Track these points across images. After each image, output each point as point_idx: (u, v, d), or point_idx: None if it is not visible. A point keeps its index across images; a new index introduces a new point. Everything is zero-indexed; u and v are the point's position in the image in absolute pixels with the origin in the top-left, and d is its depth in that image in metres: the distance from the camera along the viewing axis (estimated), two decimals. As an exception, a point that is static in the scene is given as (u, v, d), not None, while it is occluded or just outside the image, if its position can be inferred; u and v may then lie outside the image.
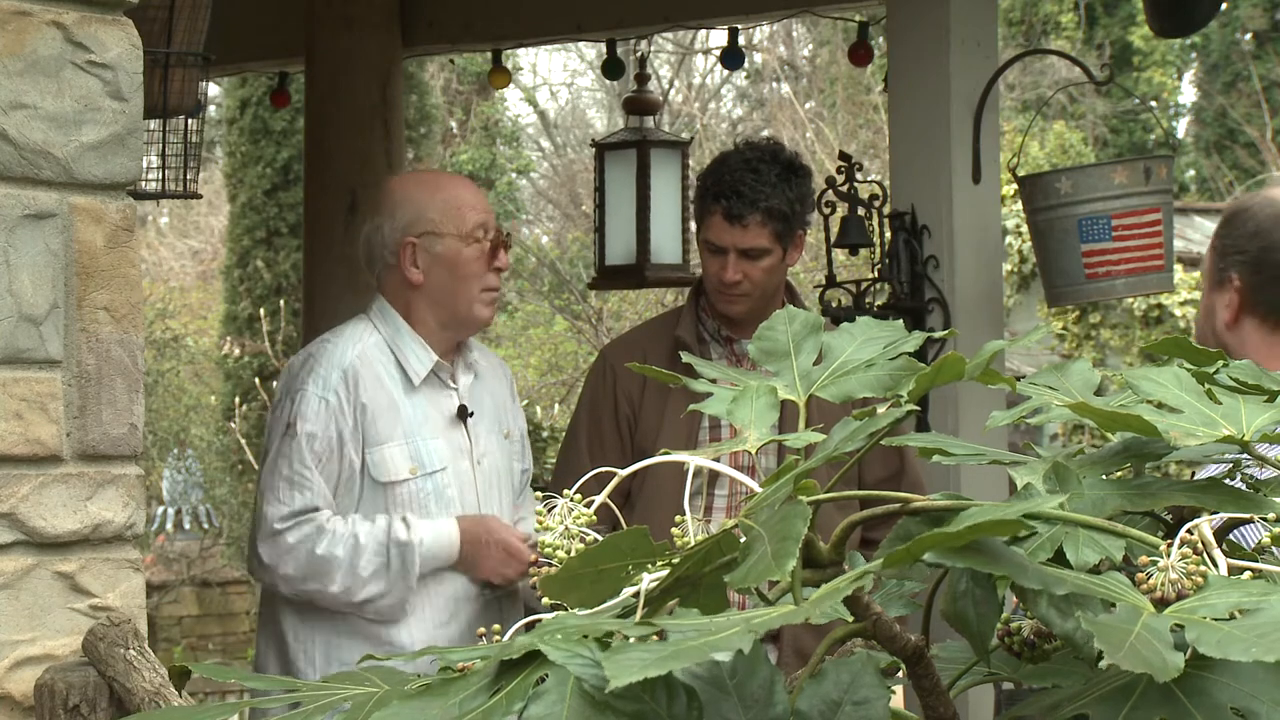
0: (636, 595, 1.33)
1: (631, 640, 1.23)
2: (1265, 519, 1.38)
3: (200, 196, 4.42)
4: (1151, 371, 1.52)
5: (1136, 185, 5.09)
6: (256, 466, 4.17)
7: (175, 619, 13.64)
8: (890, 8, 5.39)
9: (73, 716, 2.51)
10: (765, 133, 18.69)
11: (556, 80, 25.74)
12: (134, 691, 2.46)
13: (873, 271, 5.36)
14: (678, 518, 1.40)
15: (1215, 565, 1.31)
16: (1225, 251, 2.74)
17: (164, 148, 4.16)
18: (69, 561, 2.74)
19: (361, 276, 4.44)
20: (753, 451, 1.45)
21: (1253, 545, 1.43)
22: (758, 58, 20.50)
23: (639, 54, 6.67)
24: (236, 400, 15.09)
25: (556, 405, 14.82)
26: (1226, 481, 1.44)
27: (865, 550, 1.71)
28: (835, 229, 5.41)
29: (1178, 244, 11.00)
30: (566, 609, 1.36)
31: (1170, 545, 1.29)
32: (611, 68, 6.92)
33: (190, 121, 4.16)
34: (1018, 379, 1.57)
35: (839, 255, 5.68)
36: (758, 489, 1.35)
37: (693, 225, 5.15)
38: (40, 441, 2.70)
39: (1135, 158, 5.52)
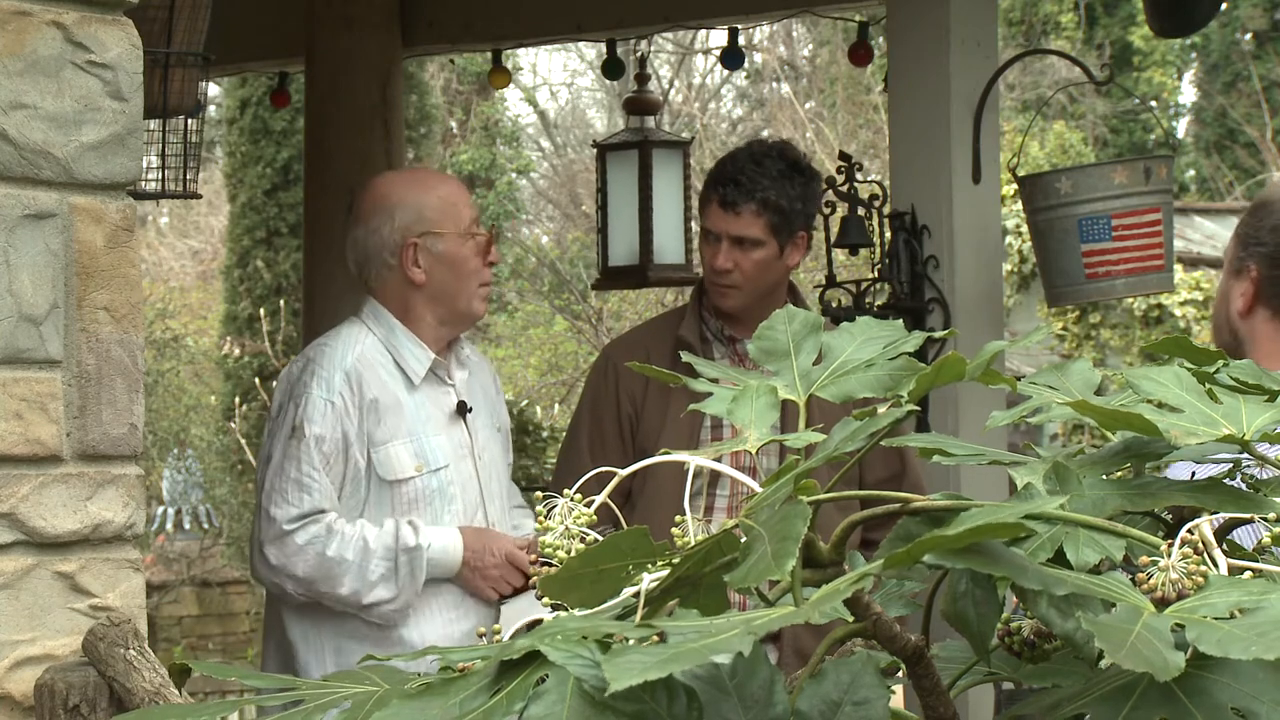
0: (636, 595, 1.33)
1: (631, 642, 1.23)
2: (1265, 519, 1.38)
3: (200, 196, 4.43)
4: (1152, 371, 1.52)
5: (1136, 185, 5.09)
6: (256, 467, 4.14)
7: (175, 619, 13.65)
8: (890, 8, 5.39)
9: (73, 716, 2.51)
10: (765, 133, 18.71)
11: (556, 80, 25.75)
12: (134, 691, 2.46)
13: (873, 271, 5.36)
14: (678, 518, 1.40)
15: (1215, 565, 1.31)
16: (1246, 241, 2.76)
17: (164, 148, 4.16)
18: (69, 561, 2.74)
19: (361, 276, 4.43)
20: (753, 451, 1.45)
21: (1253, 545, 1.43)
22: (758, 58, 20.50)
23: (639, 54, 6.67)
24: (236, 400, 15.09)
25: (556, 405, 14.83)
26: (1226, 481, 1.44)
27: (865, 550, 1.72)
28: (835, 229, 5.42)
29: (1178, 244, 11.01)
30: (566, 609, 1.36)
31: (1170, 545, 1.29)
32: (611, 68, 6.92)
33: (190, 121, 4.16)
34: (1018, 379, 1.57)
35: (839, 255, 5.68)
36: (758, 489, 1.35)
37: (695, 225, 5.16)
38: (40, 441, 2.70)
39: (1135, 158, 5.52)
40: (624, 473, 1.46)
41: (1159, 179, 5.14)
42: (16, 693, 2.67)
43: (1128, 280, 5.10)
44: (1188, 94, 23.43)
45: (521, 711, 1.21)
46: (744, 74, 20.56)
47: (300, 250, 12.36)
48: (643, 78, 6.22)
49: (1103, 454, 1.50)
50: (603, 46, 6.90)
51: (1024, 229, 10.14)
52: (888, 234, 5.31)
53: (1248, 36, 22.16)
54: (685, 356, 1.65)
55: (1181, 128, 23.19)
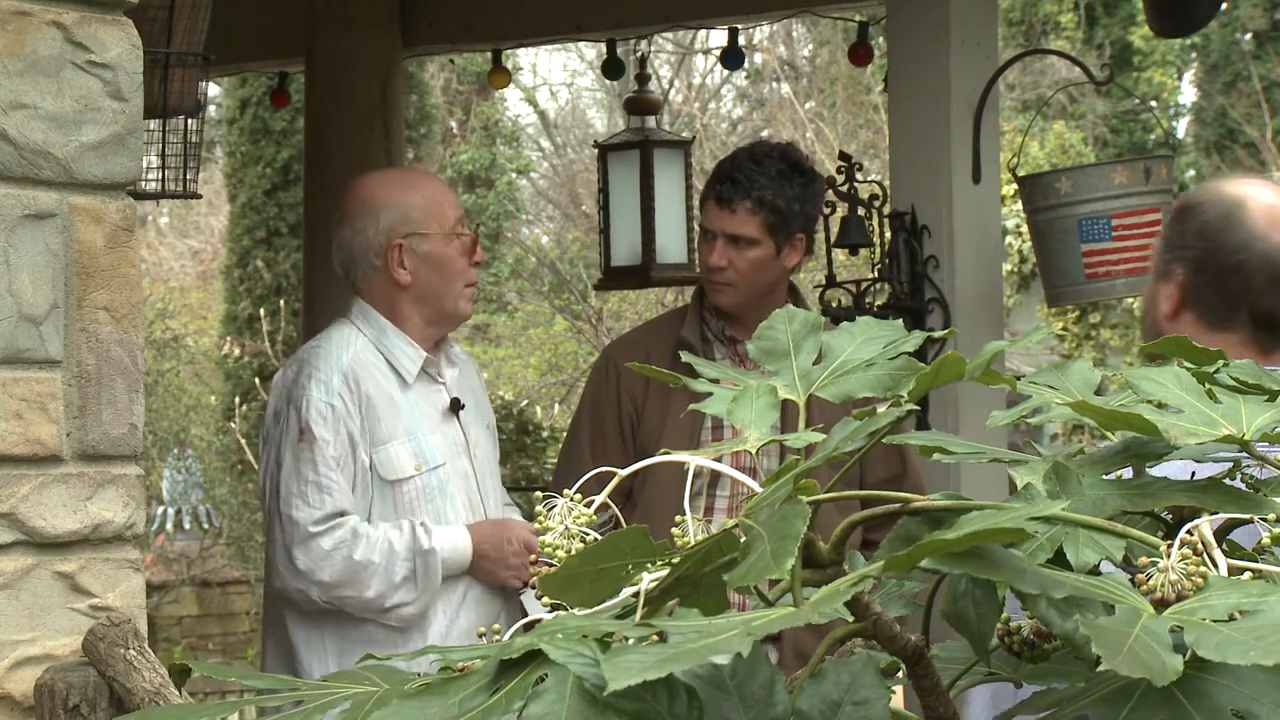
0: (636, 595, 1.33)
1: (631, 641, 1.23)
2: (1265, 519, 1.38)
3: (200, 196, 4.42)
4: (1151, 371, 1.52)
5: (1136, 185, 5.10)
6: (257, 469, 4.12)
7: (175, 619, 13.64)
8: (890, 8, 5.39)
9: (73, 716, 2.51)
10: (766, 133, 18.71)
11: (556, 80, 25.74)
12: (134, 691, 2.46)
13: (873, 271, 5.36)
14: (678, 518, 1.40)
15: (1215, 566, 1.31)
16: (1172, 245, 2.74)
17: (164, 148, 4.16)
18: (69, 561, 2.74)
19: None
20: (753, 452, 1.45)
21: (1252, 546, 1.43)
22: (758, 58, 20.50)
23: (639, 54, 6.67)
24: (236, 400, 15.09)
25: (556, 405, 14.82)
26: (1226, 481, 1.44)
27: (865, 550, 1.72)
28: (835, 229, 5.42)
29: (1178, 244, 10.97)
30: (566, 608, 1.36)
31: (1170, 546, 1.29)
32: (611, 68, 6.92)
33: (190, 121, 4.16)
34: (1018, 379, 1.57)
35: (839, 255, 5.68)
36: (758, 489, 1.35)
37: (697, 225, 5.16)
38: (40, 441, 2.70)
39: (1135, 158, 5.52)
40: (624, 473, 1.46)
41: (1159, 179, 5.14)
42: (16, 693, 2.67)
43: (1128, 280, 5.10)
44: (1188, 94, 23.43)
45: (521, 710, 1.21)
46: (744, 74, 20.56)
47: (300, 250, 12.36)
48: (643, 78, 6.22)
49: (1102, 454, 1.50)
50: (603, 46, 6.91)
51: (1024, 229, 10.14)
52: (888, 234, 5.31)
53: (1248, 36, 22.16)
54: (685, 357, 1.65)
55: (1181, 128, 23.19)
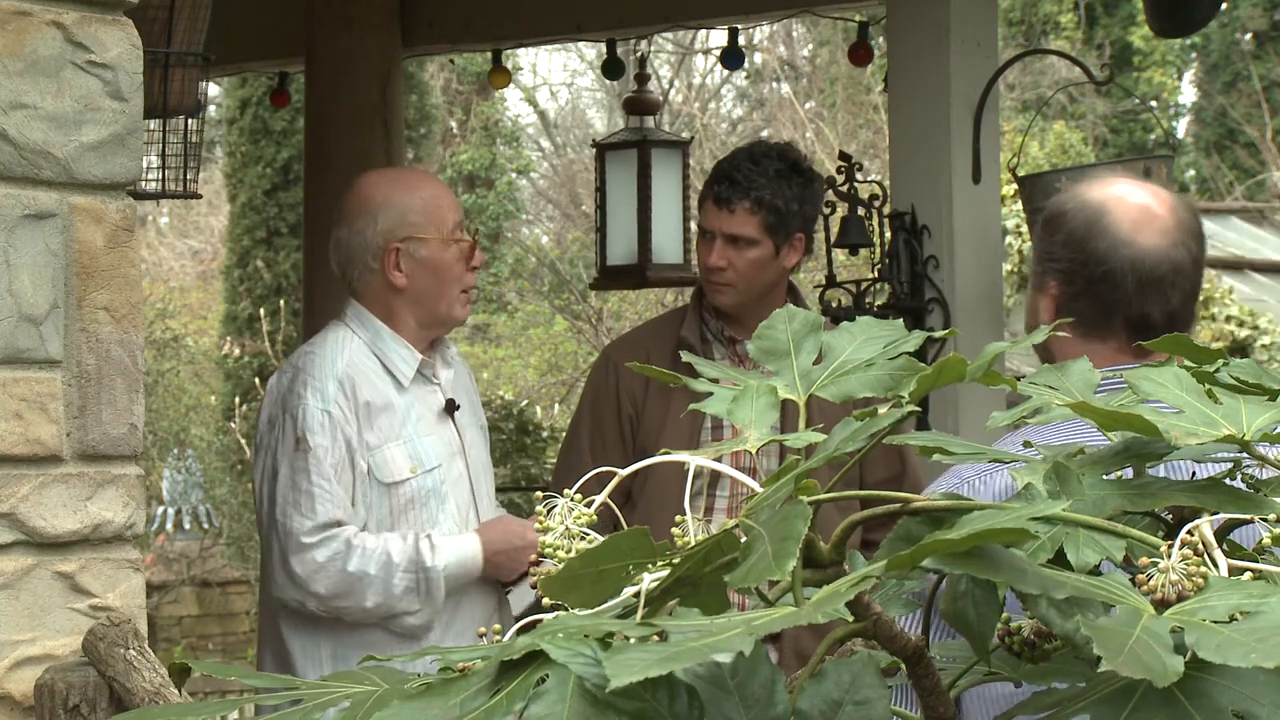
0: (637, 595, 1.33)
1: (632, 641, 1.23)
2: (1265, 519, 1.38)
3: (200, 196, 4.42)
4: (1152, 371, 1.52)
5: (1136, 185, 5.09)
6: (256, 485, 4.10)
7: (175, 619, 13.64)
8: (890, 8, 5.39)
9: (73, 716, 2.51)
10: (765, 133, 18.71)
11: (556, 80, 25.74)
12: (134, 691, 2.46)
13: (873, 271, 5.36)
14: (678, 518, 1.40)
15: (1216, 566, 1.31)
16: (1043, 257, 2.72)
17: (164, 148, 4.16)
18: (69, 561, 2.74)
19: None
20: (753, 452, 1.45)
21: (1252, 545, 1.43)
22: (758, 58, 20.50)
23: (639, 54, 6.67)
24: (236, 400, 15.09)
25: (556, 405, 14.82)
26: (1227, 481, 1.44)
27: (865, 551, 1.72)
28: (835, 229, 5.42)
29: (1178, 244, 10.95)
30: (566, 609, 1.36)
31: (1171, 546, 1.29)
32: (611, 68, 6.92)
33: (190, 121, 4.16)
34: (1018, 379, 1.57)
35: (839, 255, 5.68)
36: (759, 489, 1.35)
37: (694, 225, 5.16)
38: (40, 441, 2.70)
39: (1135, 158, 5.53)
40: (624, 473, 1.46)
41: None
42: (16, 693, 2.67)
43: (1128, 280, 5.09)
44: (1188, 94, 23.43)
45: (522, 711, 1.21)
46: (744, 74, 20.55)
47: (300, 250, 12.36)
48: (643, 78, 6.22)
49: (1102, 454, 1.50)
50: (603, 46, 6.91)
51: (1024, 229, 10.13)
52: (888, 234, 5.31)
53: (1248, 36, 22.15)
54: (685, 356, 1.65)
55: (1181, 128, 23.19)
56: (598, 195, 6.02)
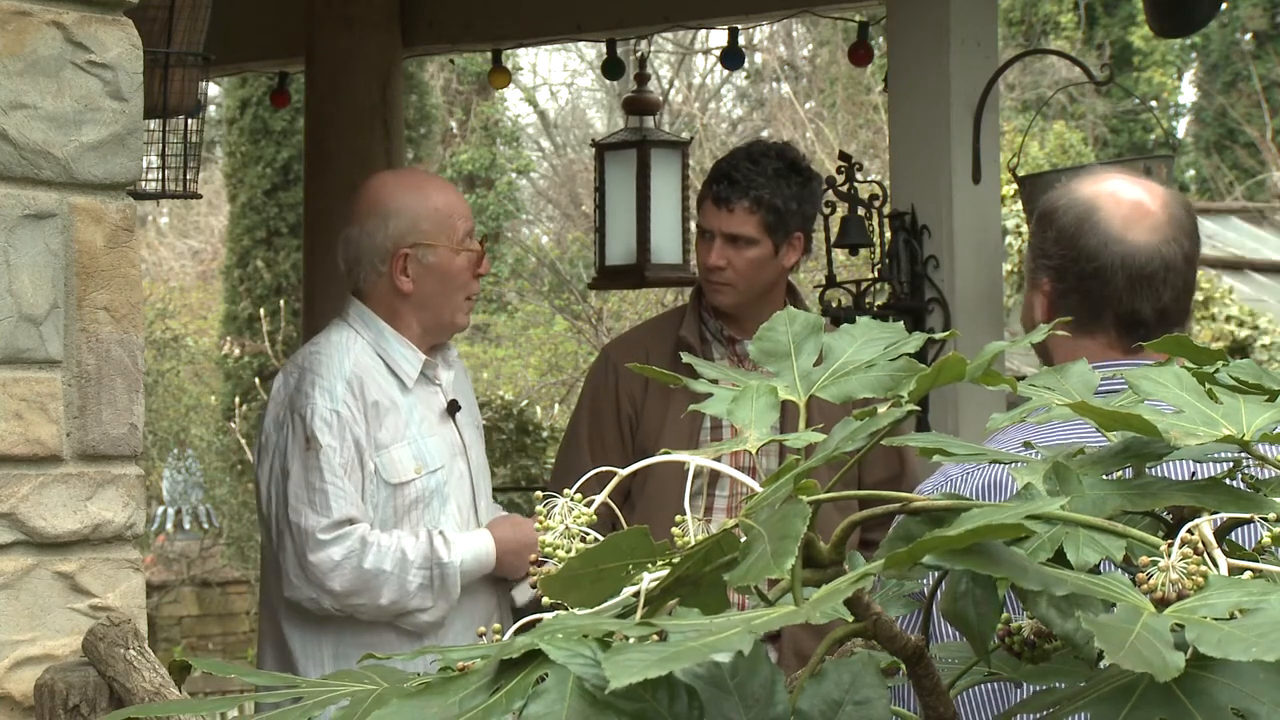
0: (637, 595, 1.33)
1: (632, 640, 1.23)
2: (1265, 519, 1.38)
3: (200, 196, 4.42)
4: (1152, 371, 1.52)
5: (1136, 185, 5.09)
6: (264, 487, 4.09)
7: (175, 619, 13.65)
8: (890, 8, 5.39)
9: (73, 716, 2.51)
10: (765, 133, 18.71)
11: (556, 80, 25.75)
12: (134, 691, 2.46)
13: (873, 271, 5.36)
14: (678, 517, 1.40)
15: (1216, 565, 1.31)
16: (1036, 254, 2.72)
17: (164, 148, 4.16)
18: (69, 561, 2.74)
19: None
20: (753, 452, 1.45)
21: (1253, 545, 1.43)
22: (758, 58, 20.50)
23: (639, 54, 6.67)
24: (236, 400, 15.09)
25: (556, 405, 14.82)
26: (1227, 481, 1.44)
27: (864, 551, 1.72)
28: (835, 229, 5.42)
29: (1178, 244, 10.96)
30: (566, 608, 1.36)
31: (1171, 545, 1.29)
32: (611, 68, 6.92)
33: (190, 121, 4.16)
34: (1018, 379, 1.57)
35: (839, 255, 5.68)
36: (758, 489, 1.35)
37: (693, 225, 5.16)
38: (40, 441, 2.71)
39: (1135, 158, 5.53)
40: (624, 473, 1.46)
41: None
42: (16, 693, 2.67)
43: (1128, 280, 5.09)
44: (1188, 94, 23.44)
45: (521, 710, 1.21)
46: (744, 74, 20.56)
47: (300, 250, 12.37)
48: (642, 78, 6.22)
49: (1102, 454, 1.50)
50: (603, 46, 6.91)
51: (1024, 229, 10.13)
52: (888, 234, 5.31)
53: (1248, 36, 22.16)
54: (685, 357, 1.65)
55: (1181, 128, 23.19)
56: (597, 195, 6.02)
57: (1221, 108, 21.92)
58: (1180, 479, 1.47)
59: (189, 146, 4.17)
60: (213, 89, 13.22)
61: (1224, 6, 8.57)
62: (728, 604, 1.35)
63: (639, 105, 6.02)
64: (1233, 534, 1.44)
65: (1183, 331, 2.67)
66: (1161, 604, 1.25)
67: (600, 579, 1.34)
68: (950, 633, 1.44)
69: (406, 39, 6.74)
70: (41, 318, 2.71)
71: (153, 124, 4.07)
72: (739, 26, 6.95)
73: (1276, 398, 1.48)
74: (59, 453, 2.73)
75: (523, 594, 4.17)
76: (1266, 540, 1.36)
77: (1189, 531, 1.33)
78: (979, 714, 2.32)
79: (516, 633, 1.31)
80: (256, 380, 14.99)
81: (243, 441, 14.41)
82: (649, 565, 1.34)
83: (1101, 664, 1.34)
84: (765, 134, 18.35)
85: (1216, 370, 1.51)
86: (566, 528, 1.39)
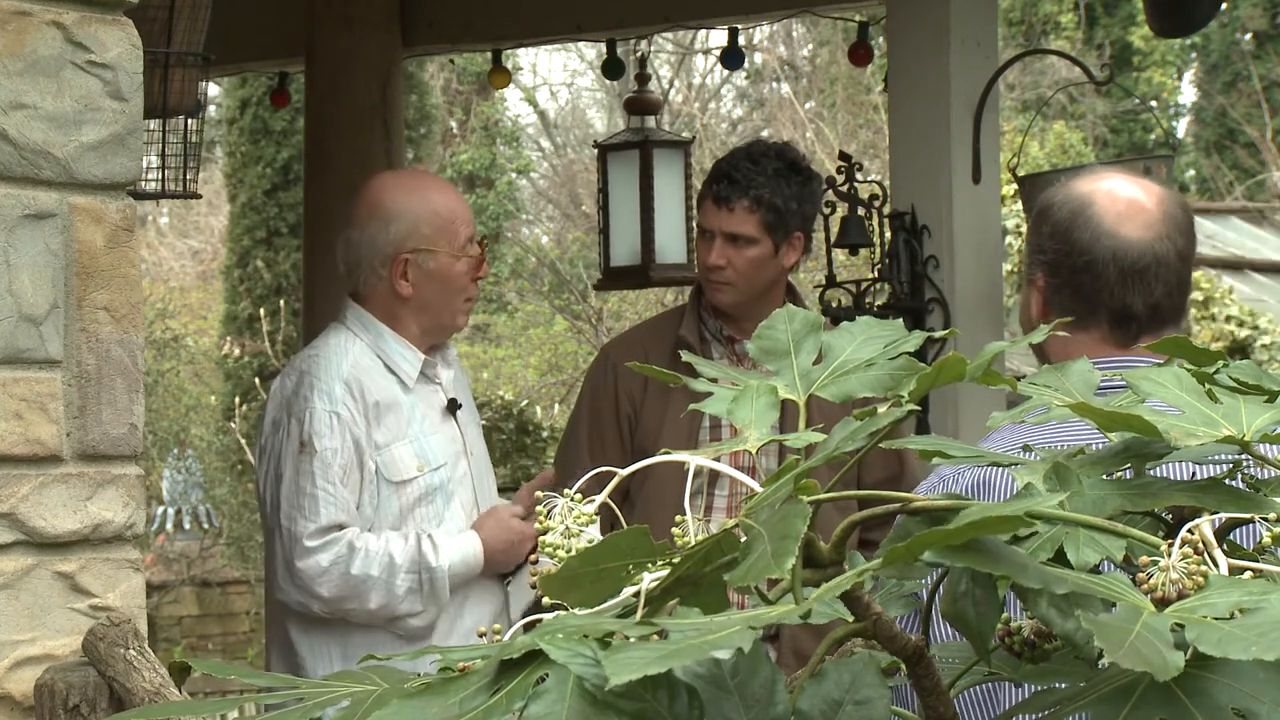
0: (637, 595, 1.33)
1: (632, 640, 1.23)
2: (1265, 519, 1.38)
3: (200, 196, 4.42)
4: (1152, 371, 1.52)
5: (1136, 185, 5.09)
6: (260, 488, 4.11)
7: (175, 619, 13.65)
8: (890, 8, 5.39)
9: (73, 716, 2.51)
10: (765, 133, 18.71)
11: (556, 80, 25.74)
12: (134, 691, 2.46)
13: (873, 271, 5.36)
14: (678, 517, 1.40)
15: (1216, 565, 1.31)
16: (1031, 250, 2.74)
17: (164, 148, 4.16)
18: (69, 561, 2.74)
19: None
20: (753, 451, 1.45)
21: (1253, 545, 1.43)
22: (758, 58, 20.50)
23: (639, 54, 6.67)
24: (236, 400, 15.09)
25: (556, 405, 14.82)
26: (1227, 481, 1.44)
27: (864, 551, 1.72)
28: (835, 229, 5.42)
29: (1178, 244, 10.96)
30: (566, 608, 1.36)
31: (1171, 545, 1.29)
32: (611, 68, 6.92)
33: (190, 121, 4.16)
34: (1018, 379, 1.57)
35: (839, 255, 5.68)
36: (758, 489, 1.35)
37: (695, 225, 5.16)
38: (40, 441, 2.70)
39: (1135, 158, 5.53)
40: (624, 472, 1.46)
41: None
42: (16, 693, 2.67)
43: (1128, 280, 5.09)
44: (1188, 94, 23.43)
45: (521, 710, 1.21)
46: (744, 74, 20.56)
47: (300, 250, 12.37)
48: (643, 78, 6.21)
49: (1102, 454, 1.50)
50: (603, 46, 6.91)
51: (1024, 229, 10.13)
52: (888, 234, 5.31)
53: (1248, 36, 22.15)
54: (685, 355, 1.65)
55: (1181, 128, 23.19)
56: (600, 196, 6.01)
57: (1221, 108, 21.91)
58: (1180, 479, 1.47)
59: (189, 146, 4.17)
60: (213, 89, 13.22)
61: (1224, 6, 8.57)
62: (728, 604, 1.35)
63: (640, 105, 6.02)
64: (1233, 534, 1.44)
65: (1177, 327, 2.68)
66: (1162, 604, 1.25)
67: (600, 579, 1.34)
68: (950, 633, 1.44)
69: (406, 39, 6.74)
70: (41, 318, 2.71)
71: (153, 124, 4.07)
72: (739, 26, 6.95)
73: (1276, 398, 1.48)
74: (59, 453, 2.73)
75: (519, 592, 4.17)
76: (1266, 540, 1.36)
77: (1189, 531, 1.33)
78: (973, 713, 2.32)
79: (517, 633, 1.31)
80: (256, 380, 14.99)
81: (243, 442, 14.41)
82: (649, 565, 1.34)
83: (1101, 664, 1.34)
84: (765, 134, 18.35)
85: (1216, 371, 1.51)
86: (566, 527, 1.39)
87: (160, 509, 14.77)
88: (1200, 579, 1.27)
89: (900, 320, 1.58)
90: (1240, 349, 12.47)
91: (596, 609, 1.34)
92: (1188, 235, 2.72)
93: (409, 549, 3.95)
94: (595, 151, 6.09)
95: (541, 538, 1.40)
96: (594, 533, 1.39)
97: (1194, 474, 1.60)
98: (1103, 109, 20.56)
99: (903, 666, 1.36)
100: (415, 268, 4.05)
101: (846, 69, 18.09)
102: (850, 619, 1.29)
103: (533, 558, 4.02)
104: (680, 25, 7.26)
